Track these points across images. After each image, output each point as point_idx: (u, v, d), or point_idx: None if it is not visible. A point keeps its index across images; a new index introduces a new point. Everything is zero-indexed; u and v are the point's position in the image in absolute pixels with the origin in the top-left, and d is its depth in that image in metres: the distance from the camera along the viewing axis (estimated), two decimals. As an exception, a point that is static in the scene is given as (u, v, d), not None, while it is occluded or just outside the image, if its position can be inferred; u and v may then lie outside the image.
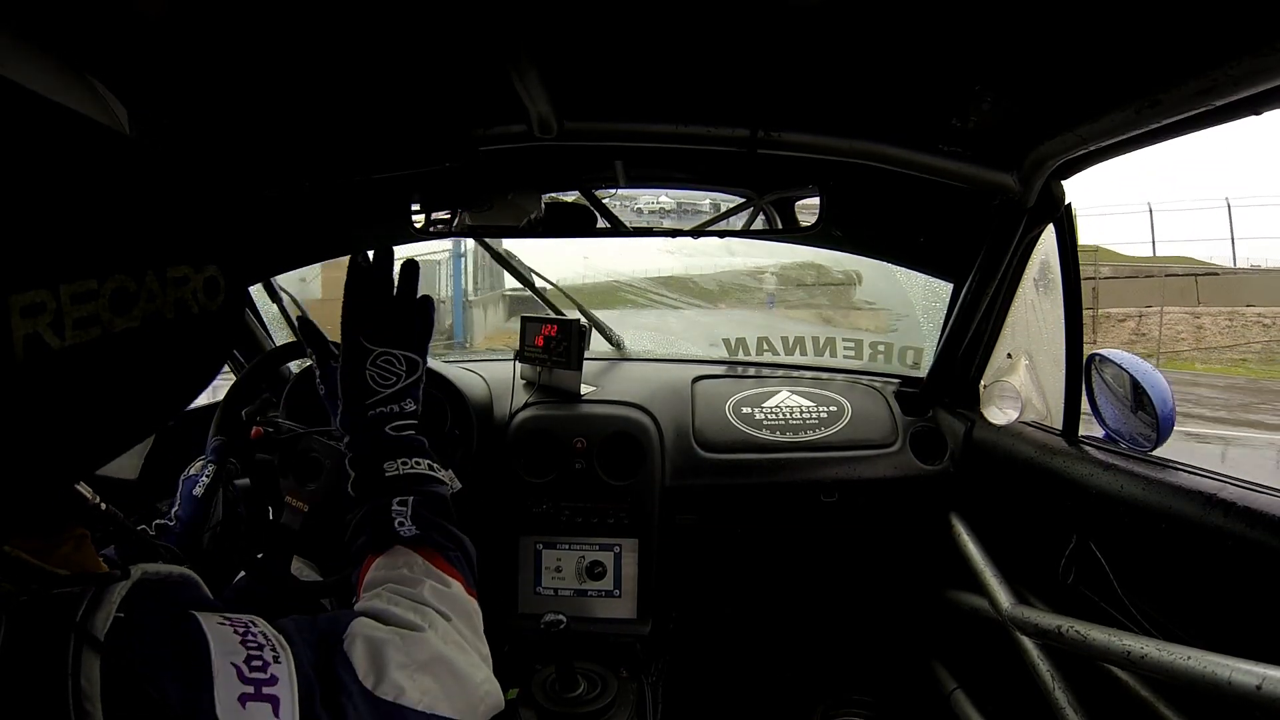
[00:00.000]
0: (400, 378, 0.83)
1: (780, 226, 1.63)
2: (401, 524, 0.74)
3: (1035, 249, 1.38)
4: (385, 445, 0.81)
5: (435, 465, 0.82)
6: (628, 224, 1.58)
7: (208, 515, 1.03)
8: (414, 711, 0.56)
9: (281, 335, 1.86)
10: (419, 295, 0.87)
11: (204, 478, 1.03)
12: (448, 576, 0.71)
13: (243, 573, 1.00)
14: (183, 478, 1.05)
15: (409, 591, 0.67)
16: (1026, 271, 1.42)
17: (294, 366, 1.64)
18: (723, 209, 1.63)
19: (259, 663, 0.47)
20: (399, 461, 0.80)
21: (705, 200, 1.75)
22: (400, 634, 0.60)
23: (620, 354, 2.12)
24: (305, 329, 0.97)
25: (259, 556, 1.02)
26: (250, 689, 0.45)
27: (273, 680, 0.47)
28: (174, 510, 1.02)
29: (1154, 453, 1.18)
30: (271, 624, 0.52)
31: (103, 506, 0.56)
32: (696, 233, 1.58)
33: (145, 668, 0.41)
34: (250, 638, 0.48)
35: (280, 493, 1.08)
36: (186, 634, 0.45)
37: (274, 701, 0.46)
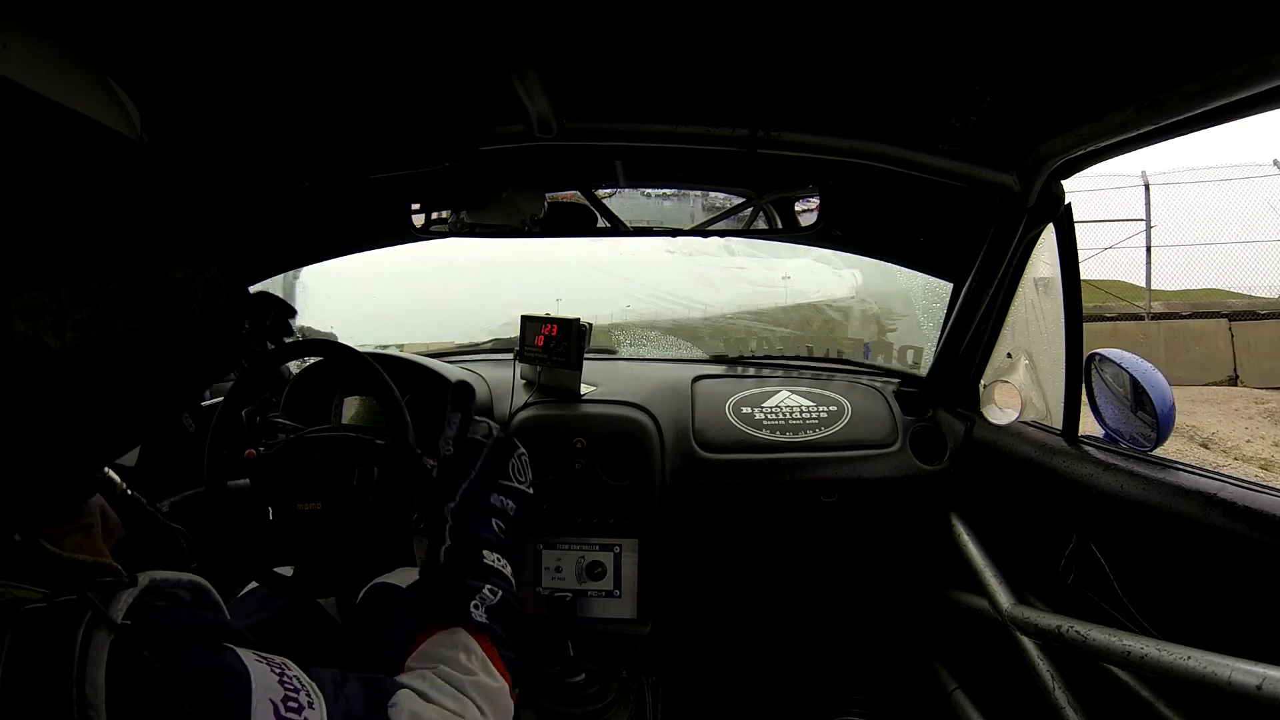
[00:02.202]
0: (529, 482, 0.97)
1: (780, 226, 1.64)
2: (476, 608, 0.77)
3: (1035, 249, 1.39)
4: (489, 534, 0.86)
5: (512, 572, 0.87)
6: (628, 222, 1.58)
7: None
8: None
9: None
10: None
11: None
12: (499, 675, 0.73)
13: (254, 583, 1.00)
14: None
15: (457, 678, 0.69)
16: (1026, 271, 1.42)
17: (293, 366, 1.64)
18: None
19: (294, 704, 0.48)
20: (495, 555, 0.85)
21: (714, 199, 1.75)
22: (442, 715, 0.63)
23: (620, 354, 2.12)
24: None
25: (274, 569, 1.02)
26: None
27: None
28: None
29: (1154, 452, 1.18)
30: (306, 671, 0.53)
31: (129, 492, 0.56)
32: (696, 232, 1.58)
33: (160, 676, 0.41)
34: (287, 680, 0.49)
35: (283, 494, 1.08)
36: (225, 666, 0.46)
37: None
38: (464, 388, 0.98)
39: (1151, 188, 9.04)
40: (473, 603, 0.76)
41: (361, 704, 0.56)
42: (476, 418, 0.98)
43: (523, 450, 0.97)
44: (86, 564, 0.45)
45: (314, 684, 0.52)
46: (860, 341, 2.16)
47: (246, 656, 0.48)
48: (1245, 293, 9.13)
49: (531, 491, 0.97)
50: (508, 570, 0.86)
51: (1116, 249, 9.21)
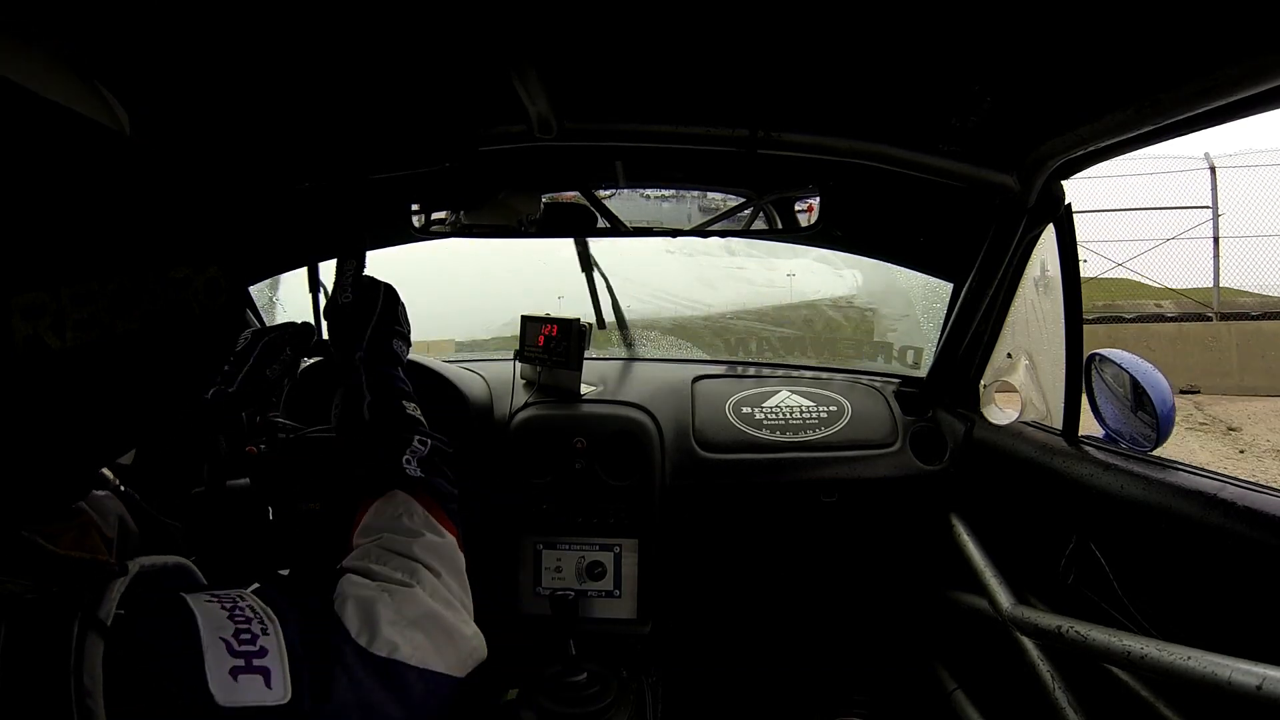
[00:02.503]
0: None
1: (780, 226, 1.63)
2: (409, 462, 0.74)
3: (1035, 249, 1.39)
4: (401, 384, 0.84)
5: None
6: (628, 222, 1.58)
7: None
8: (409, 667, 0.57)
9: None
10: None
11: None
12: (444, 529, 0.71)
13: (256, 584, 1.00)
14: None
15: (402, 544, 0.67)
16: (1026, 271, 1.42)
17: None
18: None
19: (247, 635, 0.47)
20: (412, 405, 0.82)
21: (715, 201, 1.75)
22: (390, 589, 0.61)
23: (620, 354, 2.12)
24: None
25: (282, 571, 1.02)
26: (240, 662, 0.46)
27: (262, 652, 0.47)
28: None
29: (1154, 452, 1.18)
30: (263, 598, 0.52)
31: (122, 488, 0.56)
32: (696, 232, 1.58)
33: (147, 660, 0.42)
34: (238, 612, 0.49)
35: (285, 494, 1.08)
36: (176, 614, 0.46)
37: (265, 673, 0.46)
38: (356, 236, 0.97)
39: (1218, 171, 8.17)
40: (404, 458, 0.74)
41: (315, 611, 0.55)
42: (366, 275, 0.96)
43: (400, 299, 0.95)
44: (81, 561, 0.45)
45: (268, 609, 0.51)
46: (861, 342, 2.16)
47: (195, 600, 0.47)
48: (1259, 292, 8.52)
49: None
50: (418, 413, 0.83)
51: (1182, 239, 8.28)
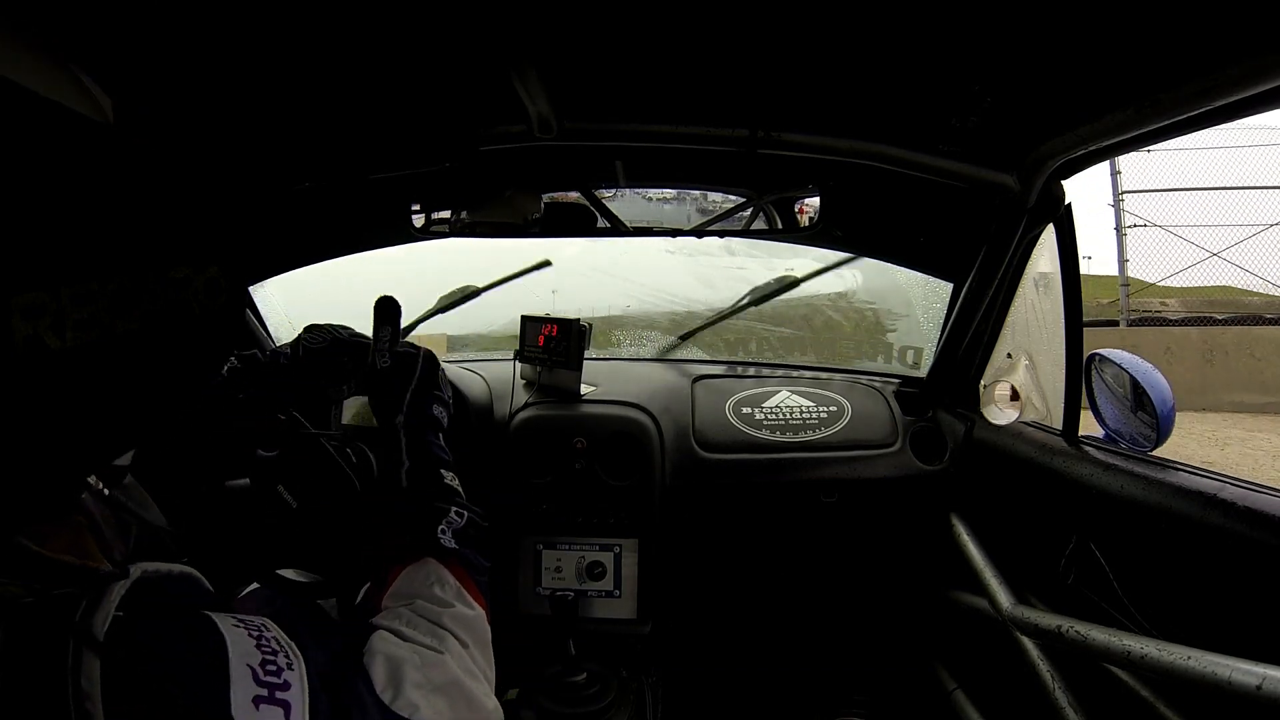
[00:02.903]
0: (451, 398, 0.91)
1: (780, 226, 1.64)
2: (443, 533, 0.74)
3: (1035, 249, 1.39)
4: (439, 451, 0.84)
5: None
6: (628, 223, 1.58)
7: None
8: None
9: (284, 335, 1.86)
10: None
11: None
12: (474, 602, 0.72)
13: (255, 584, 1.00)
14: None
15: (433, 612, 0.68)
16: (1026, 271, 1.42)
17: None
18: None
19: (273, 667, 0.47)
20: (450, 474, 0.82)
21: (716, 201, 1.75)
22: (419, 653, 0.62)
23: (620, 354, 2.12)
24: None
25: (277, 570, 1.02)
26: (264, 691, 0.46)
27: (286, 686, 0.47)
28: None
29: (1154, 452, 1.18)
30: (284, 630, 0.53)
31: (106, 493, 0.56)
32: (696, 232, 1.58)
33: (152, 666, 0.42)
34: (265, 642, 0.49)
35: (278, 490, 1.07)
36: (201, 633, 0.46)
37: (286, 706, 0.47)
38: (389, 301, 0.95)
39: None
40: (440, 528, 0.74)
41: (340, 656, 0.56)
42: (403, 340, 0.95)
43: (441, 364, 0.94)
44: (73, 566, 0.45)
45: (293, 644, 0.51)
46: (860, 341, 2.16)
47: (223, 622, 0.48)
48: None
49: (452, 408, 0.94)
50: (455, 482, 0.83)
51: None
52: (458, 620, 0.68)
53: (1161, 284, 7.97)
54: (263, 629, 0.50)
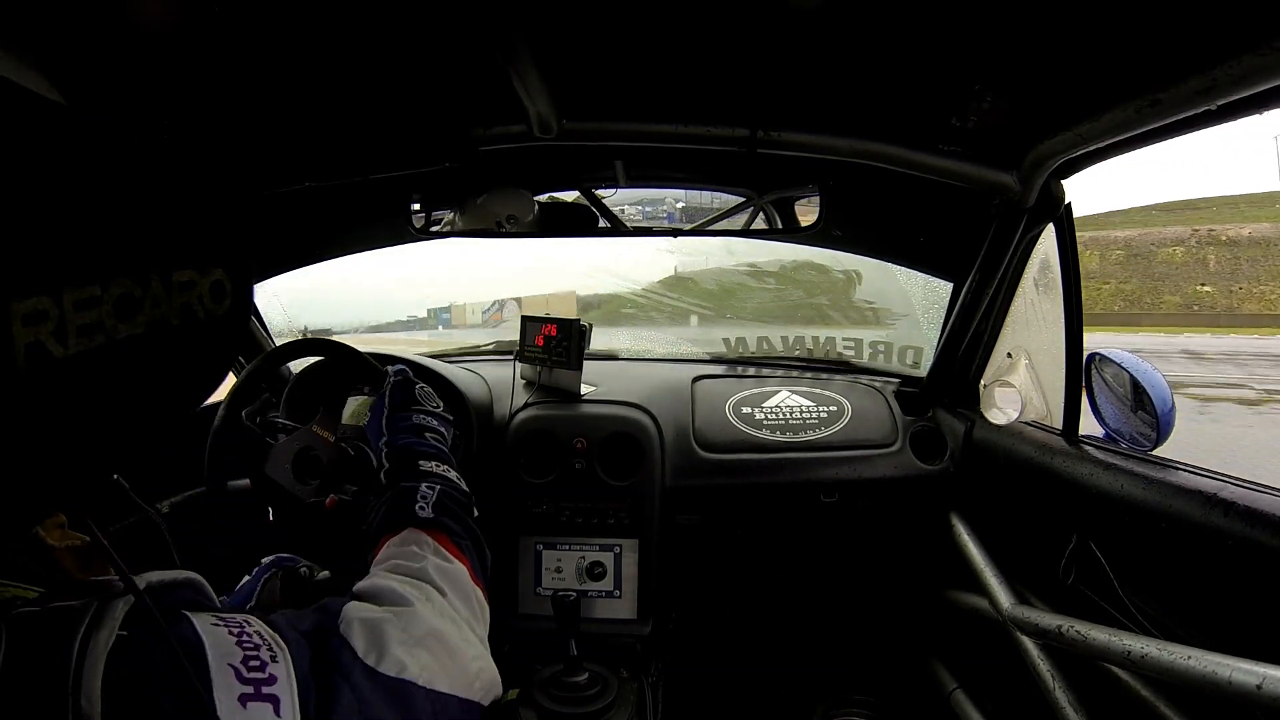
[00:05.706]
0: (440, 406, 1.00)
1: (780, 226, 1.63)
2: (422, 508, 0.78)
3: (1035, 249, 1.39)
4: (423, 447, 0.90)
5: (460, 478, 0.90)
6: (627, 223, 1.58)
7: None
8: (417, 687, 0.57)
9: (283, 338, 1.86)
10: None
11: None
12: (452, 557, 0.74)
13: (246, 577, 1.00)
14: None
15: (409, 566, 0.69)
16: (1026, 271, 1.42)
17: (293, 366, 1.64)
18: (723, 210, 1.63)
19: (256, 663, 0.47)
20: (433, 463, 0.88)
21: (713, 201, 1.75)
22: (394, 611, 0.62)
23: (620, 354, 2.12)
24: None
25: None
26: (250, 689, 0.45)
27: (271, 680, 0.47)
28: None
29: (1154, 452, 1.18)
30: (265, 622, 0.52)
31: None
32: (696, 232, 1.58)
33: (146, 682, 0.41)
34: (246, 638, 0.48)
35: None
36: (182, 638, 0.45)
37: (274, 701, 0.46)
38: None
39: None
40: (417, 505, 0.79)
41: (312, 634, 0.55)
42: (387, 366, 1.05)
43: (421, 384, 1.02)
44: (69, 589, 0.44)
45: (275, 635, 0.51)
46: (861, 342, 2.16)
47: (202, 623, 0.47)
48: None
49: (450, 417, 1.02)
50: (451, 474, 0.88)
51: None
52: (437, 570, 0.70)
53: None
54: (244, 625, 0.50)
